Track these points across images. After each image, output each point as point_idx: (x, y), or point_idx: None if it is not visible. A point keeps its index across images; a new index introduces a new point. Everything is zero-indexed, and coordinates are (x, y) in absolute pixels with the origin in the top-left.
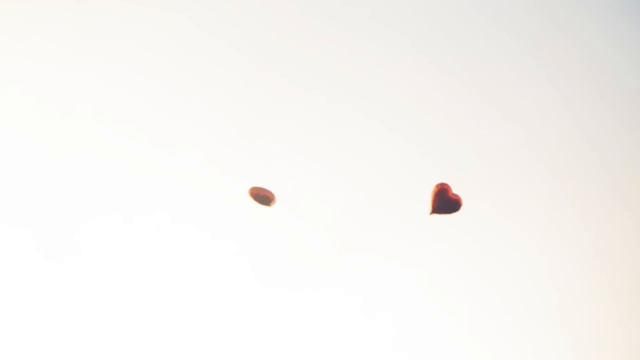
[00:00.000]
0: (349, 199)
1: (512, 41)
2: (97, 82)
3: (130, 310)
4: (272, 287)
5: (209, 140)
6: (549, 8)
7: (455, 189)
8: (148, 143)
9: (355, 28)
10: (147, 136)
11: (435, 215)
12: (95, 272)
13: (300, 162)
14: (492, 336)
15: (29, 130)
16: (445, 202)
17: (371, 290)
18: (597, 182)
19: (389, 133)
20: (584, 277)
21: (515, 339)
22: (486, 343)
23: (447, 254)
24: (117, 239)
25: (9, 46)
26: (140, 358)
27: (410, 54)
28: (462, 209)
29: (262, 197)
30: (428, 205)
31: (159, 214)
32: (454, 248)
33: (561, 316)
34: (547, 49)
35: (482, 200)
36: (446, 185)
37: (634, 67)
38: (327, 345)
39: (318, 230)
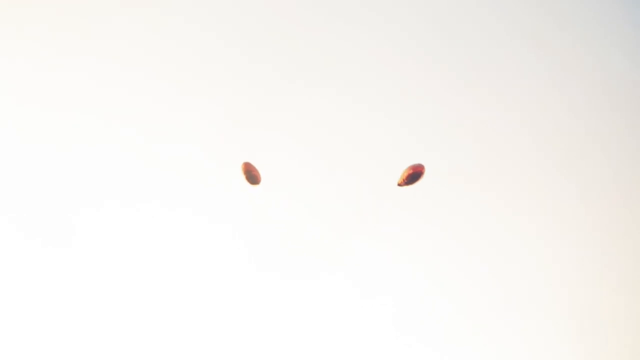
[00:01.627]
0: (346, 187)
1: (512, 34)
2: (85, 76)
3: (126, 296)
4: (270, 274)
5: (204, 129)
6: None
7: (457, 178)
8: (141, 133)
9: (347, 17)
10: (140, 126)
11: (426, 199)
12: (91, 259)
13: (297, 150)
14: (494, 325)
15: (24, 124)
16: (415, 176)
17: (369, 276)
18: (600, 171)
19: (386, 122)
20: (589, 264)
21: (519, 327)
22: (488, 331)
23: (447, 242)
24: (111, 228)
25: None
26: (138, 342)
27: (407, 46)
28: (465, 198)
29: (252, 175)
30: (427, 192)
31: (153, 203)
32: (453, 235)
33: (565, 303)
34: (546, 43)
35: (483, 188)
36: (420, 168)
37: (634, 61)
38: (327, 331)
39: (315, 217)
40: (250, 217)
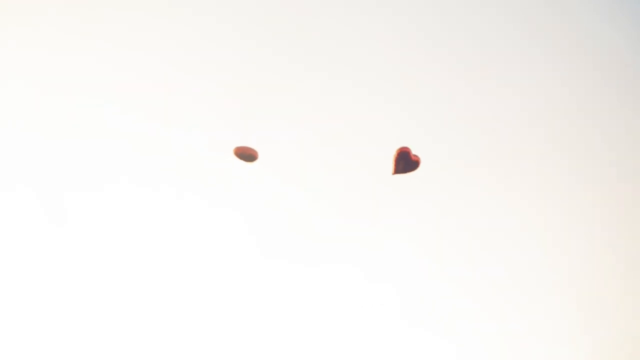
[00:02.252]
0: (350, 175)
1: (519, 31)
2: (92, 62)
3: (132, 280)
4: (275, 261)
5: (215, 120)
6: None
7: (460, 163)
8: (150, 120)
9: (356, 9)
10: (149, 113)
11: (432, 189)
12: (104, 246)
13: (305, 140)
14: (497, 306)
15: (31, 107)
16: (406, 163)
17: (374, 262)
18: (601, 162)
19: (394, 114)
20: (590, 247)
21: (522, 308)
22: (491, 313)
23: (453, 231)
24: (121, 215)
25: (15, 35)
26: (142, 326)
27: (413, 38)
28: (467, 182)
29: (247, 155)
30: (428, 178)
31: (163, 191)
32: (459, 224)
33: (567, 284)
34: (551, 37)
35: (488, 178)
36: (407, 148)
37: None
38: (332, 317)
39: (323, 206)
40: (258, 206)
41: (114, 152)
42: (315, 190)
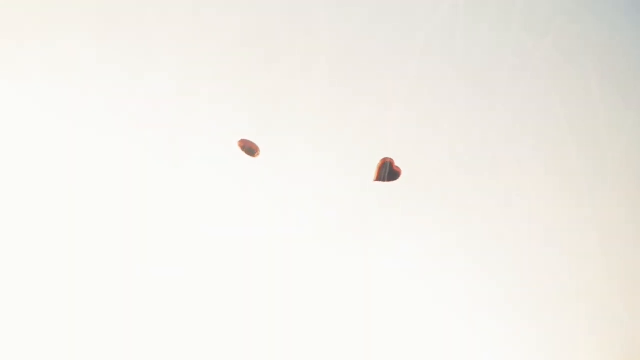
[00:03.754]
0: (354, 176)
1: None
2: (96, 64)
3: (130, 280)
4: (280, 262)
5: (228, 133)
6: None
7: (460, 173)
8: (152, 121)
9: (358, 17)
10: (151, 115)
11: (446, 190)
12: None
13: (305, 140)
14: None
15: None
16: (389, 172)
17: (389, 262)
18: (594, 169)
19: (401, 119)
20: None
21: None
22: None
23: (462, 237)
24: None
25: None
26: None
27: (407, 37)
28: (472, 192)
29: (248, 148)
30: (435, 186)
31: (178, 203)
32: (468, 231)
33: (567, 293)
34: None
35: (490, 180)
36: (390, 159)
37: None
38: (348, 314)
39: (339, 208)
40: (259, 207)
41: (116, 153)
42: (322, 192)
